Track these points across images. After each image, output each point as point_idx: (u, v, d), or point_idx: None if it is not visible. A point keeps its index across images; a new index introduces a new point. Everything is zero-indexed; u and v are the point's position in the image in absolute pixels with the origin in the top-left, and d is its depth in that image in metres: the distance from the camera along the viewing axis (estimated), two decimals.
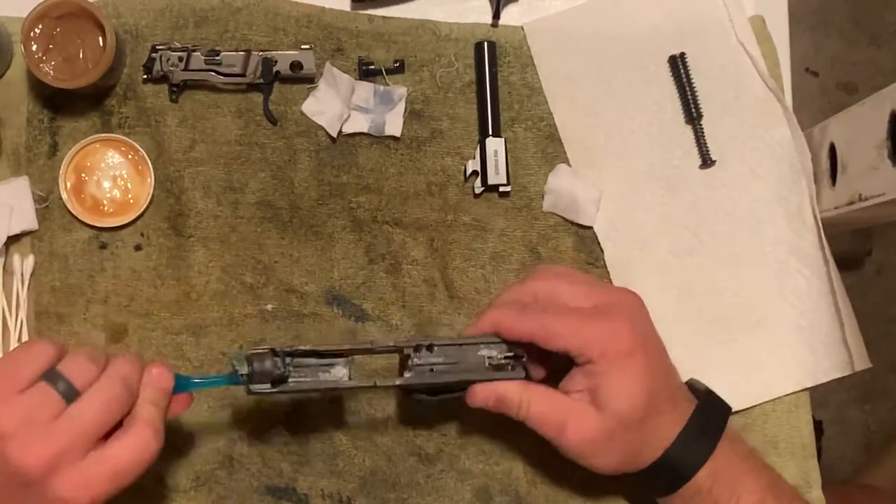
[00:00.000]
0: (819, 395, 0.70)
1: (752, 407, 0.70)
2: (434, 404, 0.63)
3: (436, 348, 0.61)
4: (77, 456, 0.51)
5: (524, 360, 0.62)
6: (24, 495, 0.51)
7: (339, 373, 0.61)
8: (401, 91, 0.71)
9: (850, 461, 1.53)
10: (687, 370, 0.69)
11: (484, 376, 0.62)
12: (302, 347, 0.60)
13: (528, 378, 0.62)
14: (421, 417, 0.69)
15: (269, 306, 0.70)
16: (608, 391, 0.59)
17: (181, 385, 0.59)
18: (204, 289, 0.70)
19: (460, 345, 0.62)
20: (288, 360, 0.60)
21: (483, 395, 0.62)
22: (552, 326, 0.60)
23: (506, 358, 0.62)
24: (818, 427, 1.29)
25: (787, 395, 0.69)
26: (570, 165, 0.71)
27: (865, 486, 1.38)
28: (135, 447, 0.53)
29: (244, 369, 0.59)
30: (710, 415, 0.62)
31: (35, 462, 0.50)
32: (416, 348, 0.61)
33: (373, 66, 0.71)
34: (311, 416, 0.69)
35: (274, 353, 0.59)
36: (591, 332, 0.60)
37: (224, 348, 0.69)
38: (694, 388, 0.64)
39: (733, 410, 0.69)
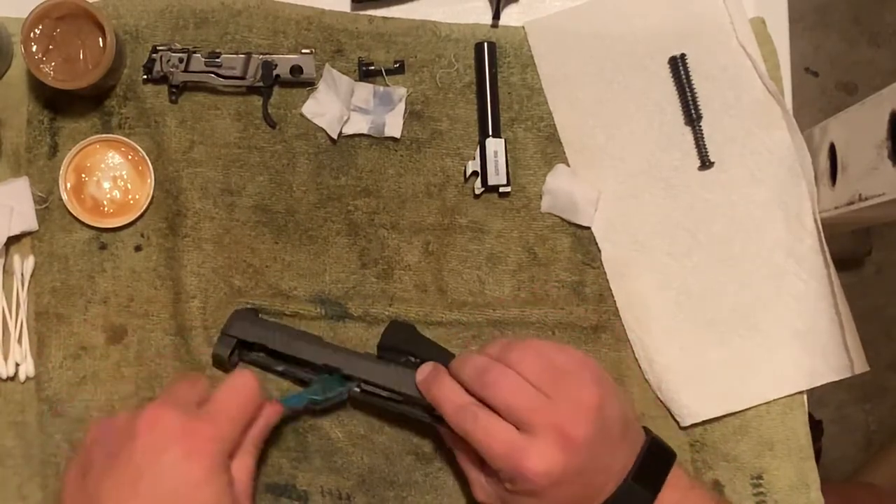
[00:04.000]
0: (819, 394, 0.70)
1: (747, 409, 0.69)
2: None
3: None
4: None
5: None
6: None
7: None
8: (401, 92, 0.71)
9: (850, 461, 1.53)
10: (684, 371, 0.69)
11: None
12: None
13: None
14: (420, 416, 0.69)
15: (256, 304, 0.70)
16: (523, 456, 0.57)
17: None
18: (195, 290, 0.70)
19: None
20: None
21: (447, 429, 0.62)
22: (476, 436, 0.59)
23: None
24: (818, 427, 1.30)
25: (783, 397, 0.69)
26: (569, 166, 0.71)
27: (866, 485, 1.39)
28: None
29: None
30: (651, 462, 0.60)
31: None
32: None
33: (373, 67, 0.71)
34: (310, 414, 0.69)
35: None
36: (507, 460, 0.57)
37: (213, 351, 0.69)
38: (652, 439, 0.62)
39: (730, 412, 0.69)
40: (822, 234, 0.70)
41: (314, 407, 0.66)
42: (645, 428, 0.63)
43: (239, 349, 0.68)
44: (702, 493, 0.62)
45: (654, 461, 0.61)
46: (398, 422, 0.69)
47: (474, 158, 0.71)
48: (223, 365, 0.68)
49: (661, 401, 0.70)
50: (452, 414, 0.60)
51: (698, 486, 0.63)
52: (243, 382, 0.60)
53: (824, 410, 1.53)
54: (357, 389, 0.65)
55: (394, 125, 0.70)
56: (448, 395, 0.61)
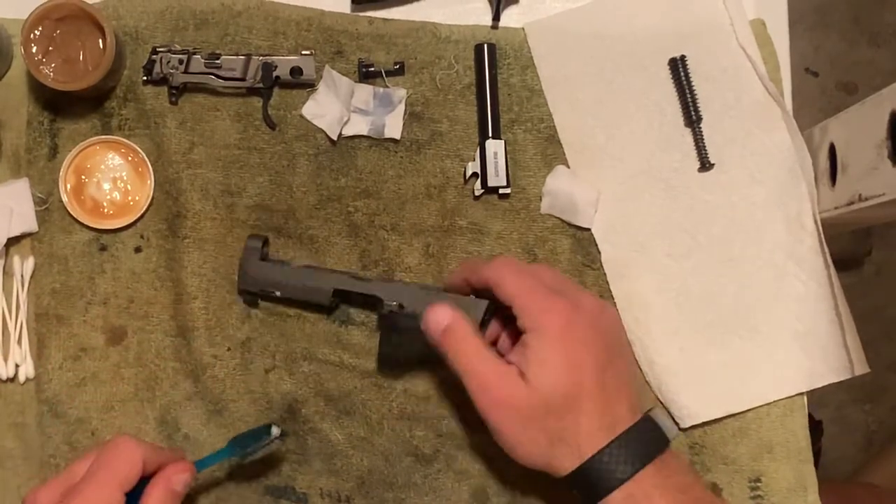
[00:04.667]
0: (819, 395, 0.70)
1: (747, 411, 0.69)
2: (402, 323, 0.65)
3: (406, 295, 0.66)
4: None
5: (486, 303, 0.64)
6: None
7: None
8: (400, 93, 0.71)
9: (850, 461, 1.53)
10: (683, 373, 0.69)
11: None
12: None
13: (484, 321, 0.64)
14: (419, 416, 0.69)
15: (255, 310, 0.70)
16: (534, 364, 0.58)
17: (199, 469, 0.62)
18: (196, 290, 0.70)
19: (430, 289, 0.67)
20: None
21: (433, 319, 0.62)
22: (507, 277, 0.61)
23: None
24: (818, 427, 1.30)
25: (783, 399, 0.69)
26: (569, 167, 0.71)
27: (867, 485, 1.39)
28: None
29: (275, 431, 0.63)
30: (642, 439, 0.59)
31: None
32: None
33: (373, 69, 0.71)
34: (309, 415, 0.69)
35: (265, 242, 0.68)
36: (538, 300, 0.60)
37: (214, 352, 0.69)
38: (647, 417, 0.61)
39: (730, 413, 0.69)
40: (822, 235, 0.70)
41: (242, 460, 0.64)
42: None
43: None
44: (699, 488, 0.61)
45: (660, 428, 0.61)
46: (399, 422, 0.69)
47: (474, 160, 0.71)
48: (254, 306, 0.70)
49: (660, 402, 0.70)
50: (490, 267, 0.62)
51: (698, 481, 0.62)
52: (114, 445, 0.59)
53: (824, 411, 1.53)
54: (278, 435, 0.63)
55: (394, 126, 0.70)
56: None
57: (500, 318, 0.65)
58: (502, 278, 0.61)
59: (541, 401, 0.58)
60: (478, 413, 0.60)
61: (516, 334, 0.62)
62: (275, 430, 0.62)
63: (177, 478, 0.59)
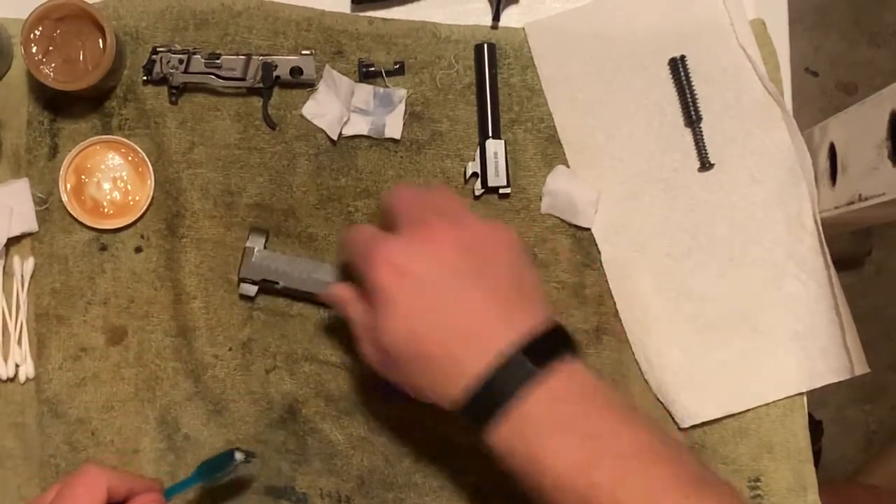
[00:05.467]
0: (819, 395, 0.70)
1: (747, 411, 0.69)
2: None
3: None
4: None
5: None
6: None
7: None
8: (401, 93, 0.71)
9: (850, 461, 1.53)
10: (683, 373, 0.69)
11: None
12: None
13: None
14: (419, 416, 0.69)
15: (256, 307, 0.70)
16: (374, 326, 0.57)
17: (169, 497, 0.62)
18: (195, 290, 0.70)
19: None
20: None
21: (327, 292, 0.63)
22: (346, 246, 0.60)
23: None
24: (818, 427, 1.30)
25: (783, 399, 0.69)
26: (569, 167, 0.71)
27: (867, 486, 1.39)
28: None
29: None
30: (514, 369, 0.54)
31: None
32: None
33: (373, 68, 0.71)
34: (309, 415, 0.69)
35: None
36: (361, 258, 0.58)
37: (215, 351, 0.69)
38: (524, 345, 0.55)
39: (729, 413, 0.69)
40: (822, 235, 0.70)
41: (212, 484, 0.64)
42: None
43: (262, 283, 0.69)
44: (606, 396, 0.55)
45: (549, 343, 0.55)
46: (399, 422, 0.69)
47: (474, 160, 0.71)
48: (251, 299, 0.70)
49: (660, 402, 0.70)
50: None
51: (603, 388, 0.56)
52: (77, 475, 0.59)
53: (824, 411, 1.53)
54: (242, 460, 0.63)
55: (394, 126, 0.70)
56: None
57: None
58: (341, 249, 0.61)
59: (389, 357, 0.57)
60: None
61: None
62: (238, 456, 0.62)
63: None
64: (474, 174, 0.70)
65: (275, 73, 0.69)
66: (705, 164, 0.71)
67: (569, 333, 0.57)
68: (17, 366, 0.69)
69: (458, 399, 0.55)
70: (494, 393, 0.54)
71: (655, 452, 0.53)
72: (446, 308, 0.55)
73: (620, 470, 0.51)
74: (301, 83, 0.70)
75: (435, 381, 0.56)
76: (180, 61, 0.69)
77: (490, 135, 0.70)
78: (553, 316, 0.57)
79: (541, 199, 0.71)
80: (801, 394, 0.70)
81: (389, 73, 0.71)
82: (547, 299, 0.60)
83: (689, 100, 0.71)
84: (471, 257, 0.57)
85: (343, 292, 0.62)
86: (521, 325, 0.55)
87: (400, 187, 0.62)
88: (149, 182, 0.70)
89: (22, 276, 0.70)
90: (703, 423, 0.69)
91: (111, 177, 0.70)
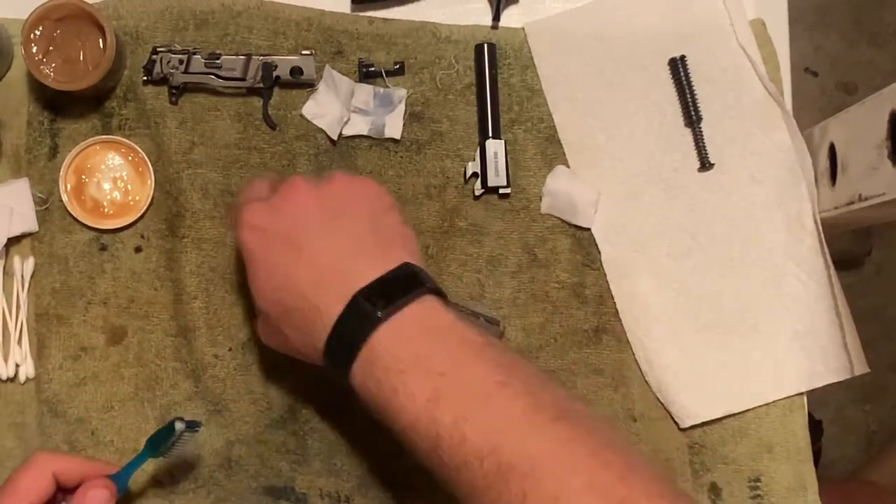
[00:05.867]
0: (819, 395, 0.70)
1: (746, 411, 0.69)
2: None
3: None
4: None
5: None
6: None
7: None
8: (401, 93, 0.71)
9: (850, 461, 1.53)
10: (683, 373, 0.69)
11: None
12: None
13: None
14: None
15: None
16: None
17: (122, 479, 0.61)
18: (196, 290, 0.70)
19: None
20: None
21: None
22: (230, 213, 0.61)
23: None
24: (818, 427, 1.30)
25: (783, 399, 0.69)
26: (569, 167, 0.71)
27: (867, 484, 1.39)
28: None
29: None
30: (358, 314, 0.54)
31: None
32: None
33: (373, 68, 0.71)
34: (309, 415, 0.69)
35: None
36: (231, 220, 0.60)
37: (215, 351, 0.69)
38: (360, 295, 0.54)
39: (729, 413, 0.69)
40: (822, 235, 0.70)
41: (166, 458, 0.63)
42: (418, 269, 0.56)
43: None
44: (460, 333, 0.54)
45: (395, 285, 0.55)
46: None
47: (474, 160, 0.71)
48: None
49: (660, 402, 0.70)
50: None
51: (459, 325, 0.54)
52: (25, 462, 0.59)
53: (824, 411, 1.53)
54: (183, 430, 0.60)
55: (394, 126, 0.70)
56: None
57: None
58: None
59: (262, 314, 0.59)
60: None
61: None
62: (178, 426, 0.60)
63: (91, 494, 0.58)
64: (474, 174, 0.70)
65: (275, 73, 0.69)
66: (705, 164, 0.71)
67: (421, 274, 0.56)
68: (17, 366, 0.69)
69: (322, 349, 0.55)
70: (345, 339, 0.54)
71: (509, 386, 0.51)
72: (300, 259, 0.56)
73: (465, 405, 0.50)
74: (301, 83, 0.70)
75: (302, 335, 0.56)
76: (180, 61, 0.69)
77: (490, 135, 0.70)
78: (409, 258, 0.56)
79: (541, 199, 0.71)
80: (801, 394, 0.70)
81: (389, 73, 0.71)
82: (411, 245, 0.59)
83: (689, 100, 0.71)
84: (328, 209, 0.57)
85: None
86: (371, 270, 0.55)
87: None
88: (149, 182, 0.70)
89: (22, 276, 0.70)
90: (703, 423, 0.69)
91: (111, 177, 0.70)
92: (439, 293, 0.56)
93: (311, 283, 0.55)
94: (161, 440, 0.61)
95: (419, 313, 0.54)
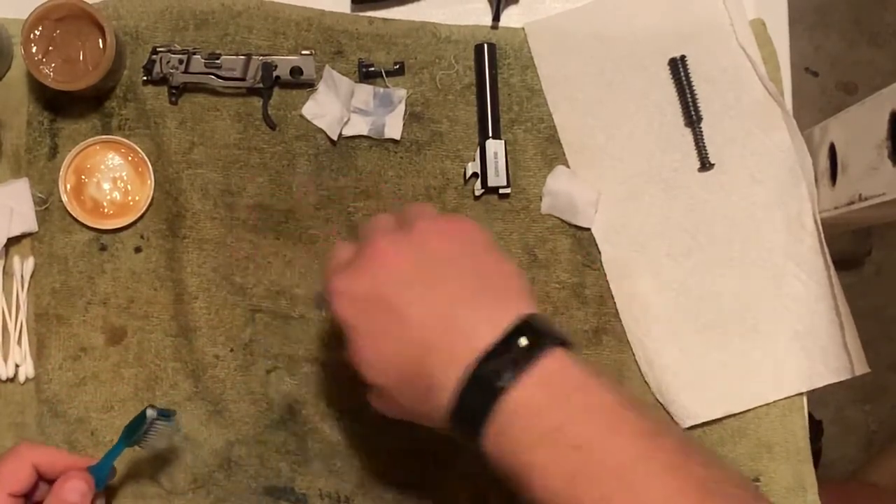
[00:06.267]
0: (819, 395, 0.70)
1: (746, 411, 0.69)
2: None
3: None
4: None
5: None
6: None
7: None
8: (401, 93, 0.71)
9: (850, 461, 1.53)
10: (683, 373, 0.69)
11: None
12: None
13: None
14: None
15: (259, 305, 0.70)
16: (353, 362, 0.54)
17: (100, 471, 0.61)
18: (197, 290, 0.70)
19: None
20: None
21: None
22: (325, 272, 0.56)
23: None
24: (818, 427, 1.30)
25: (782, 399, 0.69)
26: (569, 167, 0.71)
27: (867, 485, 1.39)
28: None
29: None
30: (478, 382, 0.49)
31: None
32: None
33: (373, 69, 0.71)
34: (309, 416, 0.69)
35: None
36: (326, 291, 0.54)
37: (216, 352, 0.69)
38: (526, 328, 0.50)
39: (730, 413, 0.69)
40: (822, 235, 0.70)
41: (142, 449, 0.62)
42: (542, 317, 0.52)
43: None
44: (593, 392, 0.49)
45: (522, 343, 0.50)
46: (399, 422, 0.69)
47: (474, 160, 0.71)
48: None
49: (661, 402, 0.70)
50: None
51: (591, 383, 0.50)
52: (5, 453, 0.60)
53: (824, 411, 1.53)
54: (154, 417, 0.60)
55: (394, 127, 0.70)
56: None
57: None
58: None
59: (382, 393, 0.54)
60: None
61: None
62: (150, 413, 0.60)
63: (68, 486, 0.58)
64: (474, 174, 0.70)
65: (275, 73, 0.69)
66: (705, 164, 0.71)
67: (543, 326, 0.51)
68: (17, 366, 0.69)
69: (445, 417, 0.51)
70: (467, 411, 0.50)
71: (652, 460, 0.47)
72: (403, 325, 0.51)
73: (608, 486, 0.46)
74: (301, 83, 0.70)
75: (421, 404, 0.52)
76: (180, 61, 0.69)
77: (490, 135, 0.70)
78: (526, 306, 0.52)
79: (541, 200, 0.71)
80: (801, 394, 0.70)
81: (389, 74, 0.71)
82: (523, 286, 0.54)
83: (689, 100, 0.71)
84: (422, 264, 0.52)
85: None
86: (487, 327, 0.50)
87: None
88: (149, 182, 0.70)
89: (22, 276, 0.70)
90: (703, 424, 0.69)
91: (111, 177, 0.70)
92: (565, 342, 0.51)
93: (422, 350, 0.51)
94: (134, 429, 0.61)
95: (546, 376, 0.49)
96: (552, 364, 0.49)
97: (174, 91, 0.70)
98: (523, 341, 0.49)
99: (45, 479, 0.61)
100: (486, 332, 0.50)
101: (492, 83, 0.71)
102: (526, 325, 0.50)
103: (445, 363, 0.50)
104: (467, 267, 0.53)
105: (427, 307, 0.51)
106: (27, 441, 0.60)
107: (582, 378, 0.50)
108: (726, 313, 0.70)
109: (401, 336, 0.51)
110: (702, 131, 0.71)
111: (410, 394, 0.52)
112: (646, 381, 0.70)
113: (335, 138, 0.70)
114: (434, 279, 0.52)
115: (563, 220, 0.71)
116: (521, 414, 0.48)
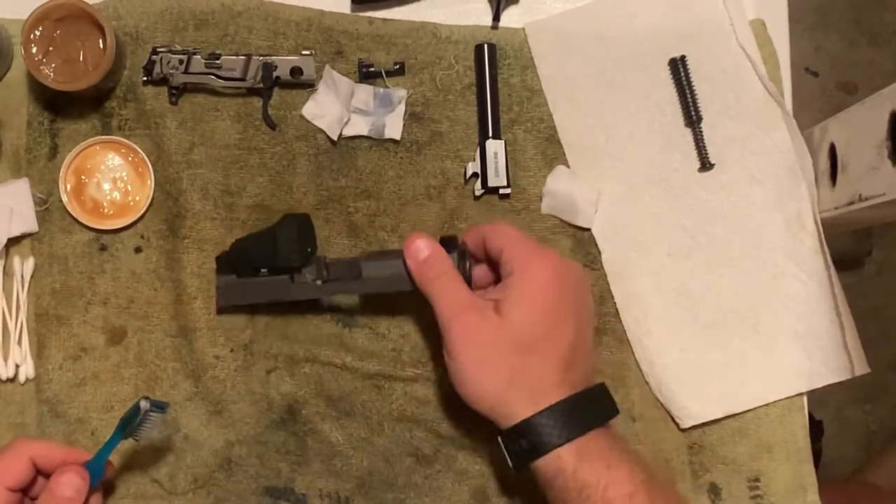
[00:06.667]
0: (819, 395, 0.70)
1: (746, 411, 0.69)
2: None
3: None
4: None
5: (468, 255, 0.64)
6: None
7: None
8: (401, 93, 0.71)
9: (850, 461, 1.53)
10: (683, 373, 0.69)
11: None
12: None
13: (467, 274, 0.64)
14: (419, 418, 0.69)
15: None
16: (512, 300, 0.60)
17: (96, 464, 0.61)
18: (196, 291, 0.70)
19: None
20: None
21: (414, 247, 0.63)
22: (502, 229, 0.63)
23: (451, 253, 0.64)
24: (818, 427, 1.30)
25: (782, 399, 0.69)
26: (569, 167, 0.71)
27: (867, 484, 1.39)
28: None
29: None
30: (594, 403, 0.61)
31: None
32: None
33: (373, 69, 0.71)
34: (309, 416, 0.69)
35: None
36: (527, 249, 0.61)
37: (216, 352, 0.69)
38: (599, 387, 0.63)
39: (729, 413, 0.69)
40: (822, 235, 0.70)
41: (136, 440, 0.63)
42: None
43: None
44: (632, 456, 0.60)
45: (599, 402, 0.61)
46: (399, 422, 0.69)
47: (474, 160, 0.71)
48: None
49: (660, 402, 0.70)
50: (484, 226, 0.65)
51: (630, 451, 0.61)
52: (3, 448, 0.60)
53: (824, 411, 1.53)
54: (147, 408, 0.61)
55: (394, 127, 0.70)
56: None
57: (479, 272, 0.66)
58: (496, 230, 0.63)
59: (510, 334, 0.59)
60: (448, 356, 0.60)
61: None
62: (143, 404, 0.60)
63: (63, 480, 0.59)
64: (474, 174, 0.70)
65: (275, 74, 0.69)
66: (705, 165, 0.71)
67: (609, 401, 0.62)
68: (17, 366, 0.69)
69: (543, 405, 0.58)
70: (545, 430, 0.58)
71: None
72: (580, 321, 0.61)
73: None
74: (301, 83, 0.70)
75: (539, 377, 0.59)
76: (180, 61, 0.69)
77: (490, 135, 0.70)
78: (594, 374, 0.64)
79: (541, 200, 0.71)
80: (801, 394, 0.70)
81: (389, 74, 0.71)
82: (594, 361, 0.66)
83: (690, 100, 0.71)
84: (576, 294, 0.62)
85: (438, 255, 0.63)
86: (587, 380, 0.62)
87: (498, 222, 0.67)
88: (149, 182, 0.70)
89: (22, 276, 0.70)
90: (703, 424, 0.69)
91: (111, 177, 0.70)
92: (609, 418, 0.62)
93: (588, 347, 0.63)
94: (128, 421, 0.61)
95: (607, 434, 0.60)
96: (600, 439, 0.59)
97: (174, 91, 0.70)
98: (602, 396, 0.62)
99: (42, 474, 0.61)
100: (584, 379, 0.61)
101: (492, 83, 0.71)
102: (599, 394, 0.62)
103: (554, 382, 0.59)
104: (592, 323, 0.64)
105: (573, 338, 0.61)
106: (24, 436, 0.61)
107: (618, 440, 0.61)
108: (726, 313, 0.70)
109: (557, 330, 0.60)
110: (702, 131, 0.71)
111: (518, 367, 0.59)
112: (646, 381, 0.70)
113: (335, 138, 0.70)
114: (579, 312, 0.62)
115: (563, 220, 0.71)
116: (574, 458, 0.58)
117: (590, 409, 0.60)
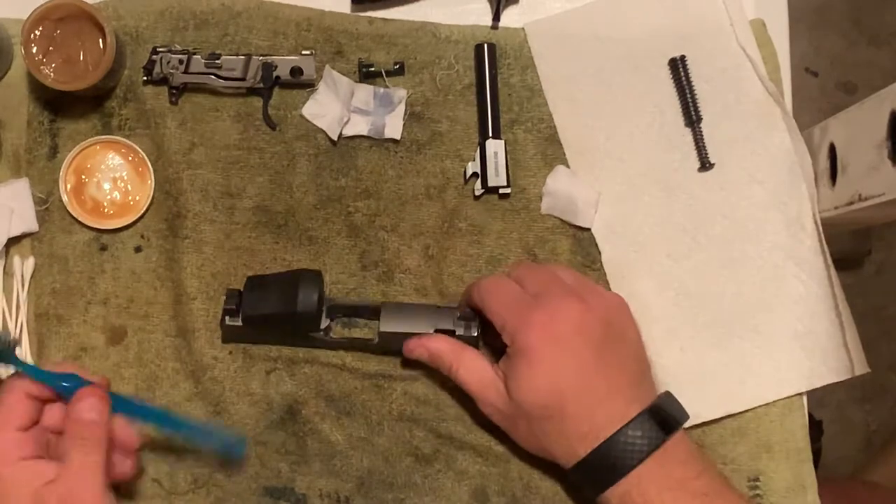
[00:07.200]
0: (819, 394, 0.70)
1: (746, 411, 0.69)
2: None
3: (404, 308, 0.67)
4: None
5: (475, 323, 0.66)
6: None
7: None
8: (401, 93, 0.71)
9: (850, 461, 1.53)
10: (683, 373, 0.69)
11: (426, 330, 0.66)
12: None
13: (476, 341, 0.66)
14: (419, 418, 0.69)
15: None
16: (512, 379, 0.61)
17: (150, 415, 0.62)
18: (196, 291, 0.70)
19: (424, 307, 0.68)
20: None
21: (417, 348, 0.66)
22: (485, 297, 0.64)
23: (460, 318, 0.66)
24: (818, 427, 1.30)
25: (782, 399, 0.69)
26: (569, 167, 0.71)
27: (868, 483, 1.39)
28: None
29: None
30: (639, 433, 0.60)
31: None
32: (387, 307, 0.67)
33: (373, 69, 0.71)
34: (309, 416, 0.69)
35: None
36: (513, 317, 0.62)
37: (215, 353, 0.69)
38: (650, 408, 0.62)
39: (730, 413, 0.69)
40: (822, 235, 0.70)
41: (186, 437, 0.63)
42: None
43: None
44: (707, 458, 0.63)
45: (670, 412, 0.62)
46: (399, 422, 0.69)
47: (474, 160, 0.71)
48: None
49: None
50: (478, 289, 0.65)
51: (702, 452, 0.64)
52: (7, 386, 0.59)
53: (824, 411, 1.53)
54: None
55: (394, 127, 0.70)
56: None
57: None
58: (482, 300, 0.64)
59: (521, 411, 0.62)
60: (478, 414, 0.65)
61: None
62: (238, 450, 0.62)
63: (85, 405, 0.58)
64: (474, 174, 0.70)
65: (275, 74, 0.69)
66: (705, 165, 0.71)
67: (678, 408, 0.63)
68: None
69: (581, 455, 0.60)
70: (619, 453, 0.59)
71: None
72: (587, 372, 0.61)
73: None
74: (301, 83, 0.70)
75: (563, 437, 0.61)
76: (180, 61, 0.69)
77: (490, 135, 0.70)
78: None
79: (541, 200, 0.71)
80: (801, 394, 0.70)
81: (389, 74, 0.71)
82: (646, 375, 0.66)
83: (689, 100, 0.71)
84: (608, 330, 0.62)
85: (445, 345, 0.65)
86: (646, 395, 0.62)
87: (481, 283, 0.66)
88: (149, 182, 0.70)
89: (22, 276, 0.70)
90: (703, 423, 0.69)
91: (111, 177, 0.70)
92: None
93: (593, 395, 0.60)
94: (197, 430, 0.65)
95: (680, 438, 0.61)
96: (681, 433, 0.61)
97: (174, 91, 0.70)
98: (670, 412, 0.62)
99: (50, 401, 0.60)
100: (644, 398, 0.62)
101: (492, 83, 0.71)
102: (664, 402, 0.62)
103: (608, 414, 0.60)
104: (633, 347, 0.65)
105: (607, 368, 0.61)
106: (14, 375, 0.60)
107: (695, 445, 0.63)
108: (726, 313, 0.70)
109: (580, 381, 0.60)
110: (702, 131, 0.71)
111: (557, 426, 0.61)
112: None
113: (335, 138, 0.70)
114: (615, 348, 0.63)
115: (563, 220, 0.71)
116: (659, 467, 0.60)
117: (634, 440, 0.60)
